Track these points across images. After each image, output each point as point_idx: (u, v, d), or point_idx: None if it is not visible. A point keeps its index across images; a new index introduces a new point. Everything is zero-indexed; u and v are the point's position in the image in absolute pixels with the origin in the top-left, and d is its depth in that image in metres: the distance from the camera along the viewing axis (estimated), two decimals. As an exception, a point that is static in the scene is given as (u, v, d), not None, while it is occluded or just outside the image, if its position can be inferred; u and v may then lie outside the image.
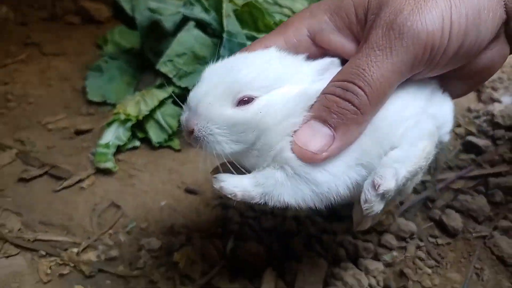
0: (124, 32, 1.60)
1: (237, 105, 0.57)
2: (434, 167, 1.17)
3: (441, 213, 0.99)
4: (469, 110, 1.39)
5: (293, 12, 1.57)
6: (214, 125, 0.56)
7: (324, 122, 0.55)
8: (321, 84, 0.58)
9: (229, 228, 0.94)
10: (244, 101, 0.57)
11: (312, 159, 0.55)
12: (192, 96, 0.59)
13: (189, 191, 1.05)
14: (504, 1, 0.56)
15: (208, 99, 0.57)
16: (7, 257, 0.87)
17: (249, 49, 0.65)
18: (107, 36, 1.60)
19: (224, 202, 1.02)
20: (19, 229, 0.93)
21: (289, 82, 0.58)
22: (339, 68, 0.59)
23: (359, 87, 0.53)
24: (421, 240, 0.94)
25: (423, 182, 1.11)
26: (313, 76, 0.60)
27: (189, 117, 0.58)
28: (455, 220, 0.96)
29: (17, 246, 0.89)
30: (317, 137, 0.55)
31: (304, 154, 0.55)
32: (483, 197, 1.01)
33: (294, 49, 0.64)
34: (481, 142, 1.22)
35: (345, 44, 0.62)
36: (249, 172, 0.60)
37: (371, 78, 0.53)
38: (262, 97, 0.57)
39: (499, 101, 1.40)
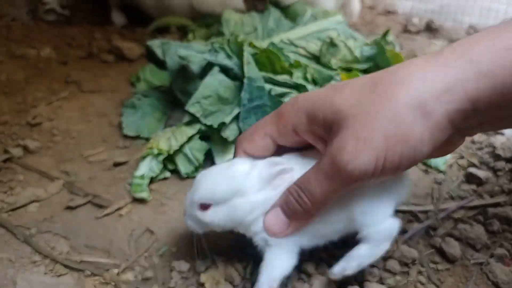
0: (154, 71, 1.77)
1: (200, 209, 0.87)
2: (437, 197, 1.27)
3: (442, 240, 1.08)
4: (473, 142, 1.49)
5: (307, 52, 1.71)
6: (188, 218, 0.92)
7: (284, 212, 0.81)
8: (264, 193, 0.83)
9: (248, 252, 1.06)
10: (203, 206, 0.86)
11: (275, 236, 0.84)
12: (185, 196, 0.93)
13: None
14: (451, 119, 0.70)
15: (187, 202, 0.91)
16: (58, 276, 1.00)
17: (250, 133, 0.90)
18: (139, 74, 1.77)
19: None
20: (67, 252, 1.07)
21: (240, 192, 0.83)
22: (290, 174, 0.83)
23: (306, 196, 0.76)
24: (422, 266, 1.03)
25: (426, 212, 1.21)
26: (259, 185, 0.84)
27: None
28: (454, 247, 1.06)
29: (66, 266, 1.02)
30: (278, 222, 0.82)
31: (270, 233, 0.84)
32: (481, 226, 1.11)
33: (284, 137, 0.85)
34: (482, 173, 1.32)
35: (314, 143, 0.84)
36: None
37: (315, 192, 0.75)
38: (214, 206, 0.85)
39: (501, 134, 1.49)
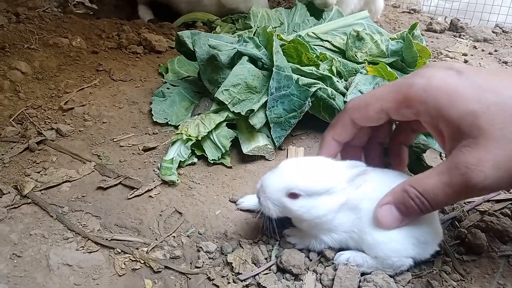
0: (182, 62, 1.81)
1: (287, 197, 0.89)
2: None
3: (468, 232, 1.08)
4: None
5: (333, 45, 1.72)
6: (271, 201, 0.91)
7: (399, 210, 0.84)
8: (349, 191, 0.89)
9: (273, 236, 1.08)
10: (292, 195, 0.89)
11: (386, 228, 0.87)
12: (265, 179, 0.93)
13: (235, 201, 1.20)
14: None
15: (273, 186, 0.90)
16: (90, 252, 1.04)
17: (364, 104, 0.90)
18: (168, 65, 1.81)
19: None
20: (99, 230, 1.10)
21: (330, 191, 0.88)
22: (366, 175, 0.88)
23: (429, 203, 0.79)
24: (447, 256, 1.04)
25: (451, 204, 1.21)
26: (344, 185, 0.89)
27: (259, 191, 0.93)
28: (480, 239, 1.05)
29: (97, 243, 1.06)
30: (393, 217, 0.85)
31: (382, 225, 0.87)
32: (508, 219, 1.11)
33: (400, 117, 0.87)
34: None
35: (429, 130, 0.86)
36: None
37: (440, 201, 0.79)
38: (304, 197, 0.88)
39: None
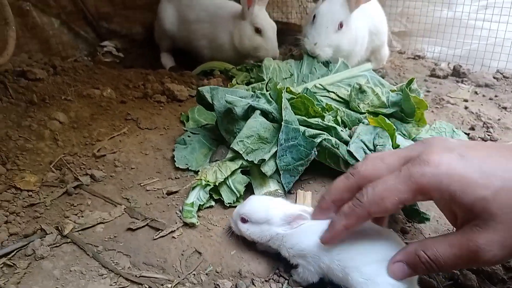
0: (202, 111, 2.00)
1: (241, 220, 1.22)
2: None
3: (460, 273, 1.19)
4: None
5: (338, 96, 1.89)
6: (233, 222, 1.27)
7: (409, 266, 0.94)
8: (283, 229, 1.14)
9: (283, 274, 1.22)
10: (243, 219, 1.22)
11: (397, 279, 0.97)
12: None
13: (250, 243, 1.34)
14: None
15: (235, 211, 1.26)
16: None
17: (380, 198, 0.94)
18: (188, 114, 2.00)
19: (278, 253, 1.30)
20: (129, 267, 1.25)
21: (269, 222, 1.16)
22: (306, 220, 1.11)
23: (437, 267, 0.89)
24: (441, 295, 1.15)
25: (445, 246, 1.32)
26: (282, 222, 1.15)
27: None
28: (471, 280, 1.16)
29: (127, 280, 1.20)
30: (403, 272, 0.95)
31: (394, 277, 0.98)
32: (497, 262, 1.22)
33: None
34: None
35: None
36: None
37: (447, 268, 0.89)
38: (250, 223, 1.20)
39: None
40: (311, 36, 2.26)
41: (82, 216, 1.42)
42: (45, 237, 1.33)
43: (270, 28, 2.66)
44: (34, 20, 2.96)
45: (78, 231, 1.37)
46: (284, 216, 1.14)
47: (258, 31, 2.63)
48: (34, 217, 1.43)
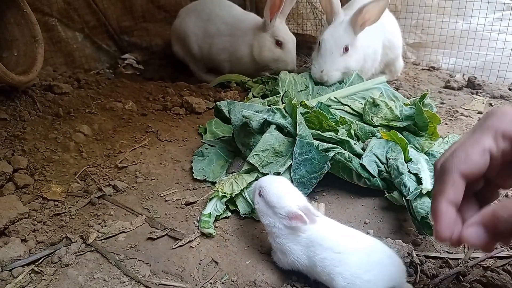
0: (218, 123, 2.07)
1: (258, 193, 1.28)
2: (468, 247, 1.40)
3: (470, 286, 1.22)
4: (506, 195, 1.60)
5: (352, 109, 1.93)
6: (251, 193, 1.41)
7: (486, 231, 0.82)
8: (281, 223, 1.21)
9: (296, 285, 1.26)
10: (260, 193, 1.27)
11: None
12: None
13: (264, 252, 1.39)
14: None
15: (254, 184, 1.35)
16: (142, 295, 1.25)
17: (465, 154, 0.88)
18: (206, 126, 2.07)
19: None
20: (149, 275, 1.31)
21: (273, 208, 1.23)
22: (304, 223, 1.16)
23: None
24: (452, 307, 1.17)
25: (457, 259, 1.35)
26: (284, 214, 1.20)
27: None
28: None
29: (147, 287, 1.27)
30: (478, 236, 0.82)
31: (471, 244, 0.85)
32: (508, 275, 1.23)
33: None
34: None
35: None
36: None
37: None
38: (263, 200, 1.26)
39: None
40: (317, 63, 2.30)
41: (105, 226, 1.50)
42: (70, 245, 1.41)
43: (290, 41, 2.73)
44: (59, 34, 3.10)
45: (101, 239, 1.44)
46: (289, 212, 1.19)
47: (278, 43, 2.69)
48: (60, 226, 1.51)
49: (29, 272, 1.32)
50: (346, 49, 2.29)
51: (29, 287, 1.27)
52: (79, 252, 1.39)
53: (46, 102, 2.14)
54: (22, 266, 1.34)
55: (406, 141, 1.60)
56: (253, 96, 2.42)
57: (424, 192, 1.38)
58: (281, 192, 1.24)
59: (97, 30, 3.30)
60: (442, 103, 2.50)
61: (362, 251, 1.13)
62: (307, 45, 3.64)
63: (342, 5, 2.44)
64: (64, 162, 1.81)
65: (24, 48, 2.12)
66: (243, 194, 1.55)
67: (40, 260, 1.36)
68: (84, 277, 1.29)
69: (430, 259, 1.36)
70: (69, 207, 1.59)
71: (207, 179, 1.72)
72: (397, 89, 2.67)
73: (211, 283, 1.29)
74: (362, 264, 1.10)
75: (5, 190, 1.64)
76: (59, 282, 1.28)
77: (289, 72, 2.51)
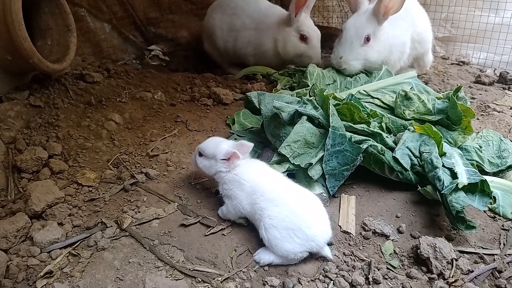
0: (246, 114, 2.08)
1: (198, 155, 1.51)
2: (504, 243, 1.38)
3: (507, 283, 1.20)
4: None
5: (383, 103, 1.91)
6: (194, 156, 1.56)
7: None
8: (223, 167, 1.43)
9: (329, 275, 1.26)
10: (200, 154, 1.50)
11: None
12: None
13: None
14: None
15: (195, 151, 1.56)
16: (176, 280, 1.27)
17: None
18: (234, 117, 2.08)
19: (323, 256, 1.35)
20: (183, 261, 1.34)
21: (215, 157, 1.44)
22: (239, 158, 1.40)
23: None
24: (488, 303, 1.16)
25: (492, 255, 1.33)
26: (224, 157, 1.41)
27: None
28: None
29: (182, 273, 1.29)
30: None
31: None
32: (546, 273, 1.22)
33: None
34: (550, 224, 1.40)
35: None
36: None
37: None
38: (204, 157, 1.48)
39: None
40: (336, 51, 2.31)
41: (139, 212, 1.52)
42: (105, 230, 1.44)
43: (315, 36, 2.72)
44: (88, 25, 3.14)
45: (135, 225, 1.47)
46: (226, 153, 1.39)
47: (303, 38, 2.68)
48: (94, 211, 1.55)
49: (66, 255, 1.36)
50: (367, 39, 2.27)
51: (67, 268, 1.30)
52: (114, 236, 1.42)
53: (78, 90, 2.18)
54: (60, 248, 1.38)
55: (440, 134, 1.57)
56: (281, 89, 2.42)
57: (460, 186, 1.36)
58: (215, 143, 1.48)
59: (125, 21, 3.33)
60: (473, 98, 2.46)
61: (301, 215, 1.29)
62: (332, 38, 3.60)
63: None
64: (97, 149, 1.84)
65: (58, 37, 2.16)
66: (274, 185, 1.55)
67: (77, 244, 1.40)
68: (120, 261, 1.32)
69: (465, 254, 1.34)
70: (103, 193, 1.63)
71: (236, 169, 1.73)
72: (426, 83, 2.62)
73: (244, 271, 1.30)
74: (297, 227, 1.27)
75: (41, 175, 1.68)
76: (96, 265, 1.31)
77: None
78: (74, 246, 1.39)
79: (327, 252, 1.31)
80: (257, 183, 1.36)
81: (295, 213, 1.28)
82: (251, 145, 1.43)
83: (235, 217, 1.44)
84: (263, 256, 1.31)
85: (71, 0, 2.97)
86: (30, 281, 1.27)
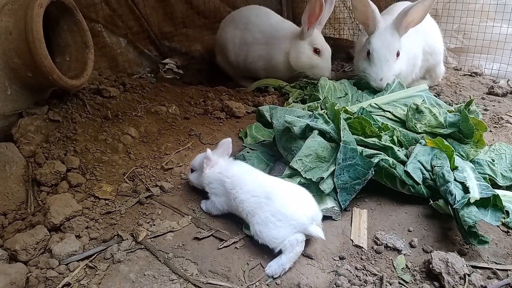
0: (259, 128, 2.11)
1: (190, 172, 1.73)
2: (517, 259, 1.37)
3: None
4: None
5: (394, 116, 1.92)
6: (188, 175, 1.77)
7: None
8: (204, 171, 1.61)
9: (341, 290, 1.28)
10: (192, 170, 1.71)
11: None
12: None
13: (307, 256, 1.41)
14: None
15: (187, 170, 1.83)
16: (190, 293, 1.30)
17: None
18: (247, 130, 2.12)
19: (336, 270, 1.36)
20: (196, 274, 1.36)
21: (201, 168, 1.64)
22: (210, 161, 1.60)
23: None
24: (500, 319, 1.16)
25: (506, 270, 1.32)
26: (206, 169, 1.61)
27: None
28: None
29: (195, 286, 1.31)
30: None
31: None
32: (561, 289, 1.21)
33: None
34: None
35: None
36: None
37: None
38: (194, 171, 1.70)
39: None
40: (373, 72, 2.27)
41: (154, 224, 1.56)
42: (121, 242, 1.47)
43: (328, 50, 2.78)
44: (104, 40, 3.23)
45: (150, 238, 1.50)
46: (206, 156, 1.58)
47: (316, 51, 2.73)
48: (111, 223, 1.59)
49: (84, 267, 1.40)
50: (398, 54, 2.28)
51: (84, 281, 1.34)
52: (129, 249, 1.45)
53: (95, 105, 2.24)
54: (77, 261, 1.42)
55: (452, 148, 1.58)
56: (293, 102, 2.45)
57: (472, 201, 1.37)
58: (199, 156, 1.68)
59: (140, 36, 3.42)
60: (486, 110, 2.44)
61: (277, 197, 1.39)
62: (343, 50, 3.64)
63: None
64: (113, 163, 1.89)
65: (76, 54, 2.23)
66: (286, 198, 1.57)
67: (94, 256, 1.44)
68: (135, 273, 1.35)
69: (477, 269, 1.34)
70: (119, 206, 1.67)
71: (249, 182, 1.76)
72: (438, 95, 2.63)
73: (256, 285, 1.32)
74: (275, 209, 1.36)
75: (59, 188, 1.73)
76: (112, 278, 1.34)
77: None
78: (91, 259, 1.43)
79: (313, 230, 1.36)
80: (236, 178, 1.51)
81: (272, 198, 1.39)
82: (229, 140, 1.66)
83: (217, 211, 1.60)
84: (273, 266, 1.34)
85: (88, 16, 3.08)
86: (49, 293, 1.31)
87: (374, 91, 2.24)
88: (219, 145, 1.65)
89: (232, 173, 1.53)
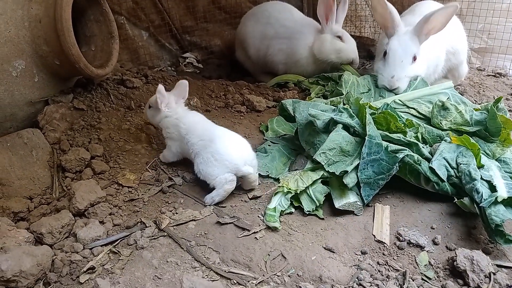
0: (280, 121, 2.11)
1: (148, 108, 1.91)
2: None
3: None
4: None
5: (419, 112, 1.90)
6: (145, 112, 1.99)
7: None
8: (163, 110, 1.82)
9: (363, 283, 1.27)
10: (149, 106, 1.89)
11: None
12: None
13: (328, 249, 1.41)
14: None
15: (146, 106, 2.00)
16: (212, 280, 1.30)
17: None
18: (268, 124, 2.12)
19: (357, 264, 1.35)
20: (218, 262, 1.37)
21: (157, 105, 1.82)
22: (164, 99, 1.81)
23: None
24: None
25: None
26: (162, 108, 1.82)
27: None
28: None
29: (217, 274, 1.32)
30: None
31: None
32: None
33: None
34: None
35: None
36: None
37: None
38: (152, 108, 1.87)
39: None
40: (386, 71, 2.24)
41: (176, 213, 1.57)
42: (144, 229, 1.49)
43: (350, 36, 2.76)
44: (127, 32, 3.26)
45: (173, 226, 1.51)
46: (158, 96, 1.74)
47: (339, 38, 2.73)
48: (134, 211, 1.61)
49: (107, 252, 1.42)
50: (414, 59, 2.24)
51: (108, 265, 1.36)
52: (153, 236, 1.47)
53: (119, 95, 2.27)
54: (101, 246, 1.44)
55: (478, 146, 1.56)
56: (315, 97, 2.44)
57: (499, 200, 1.35)
58: (154, 96, 1.79)
59: (161, 29, 3.44)
60: (510, 111, 2.40)
61: (218, 139, 1.62)
62: (365, 47, 3.60)
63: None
64: (136, 152, 1.91)
65: (101, 44, 2.26)
66: (308, 191, 1.58)
67: (117, 242, 1.46)
68: (158, 260, 1.37)
69: (503, 269, 1.32)
70: (142, 194, 1.69)
71: (270, 175, 1.77)
72: (461, 95, 2.59)
73: (278, 275, 1.33)
74: (215, 150, 1.59)
75: (84, 174, 1.76)
76: (135, 263, 1.36)
77: (352, 65, 2.59)
78: (114, 244, 1.45)
79: (245, 169, 1.58)
80: (190, 125, 1.73)
81: (214, 141, 1.62)
82: (186, 82, 1.83)
83: (174, 157, 1.81)
84: (207, 197, 1.60)
85: (111, 8, 3.07)
86: (73, 276, 1.33)
87: (386, 91, 2.21)
88: (176, 86, 1.84)
89: (188, 120, 1.76)
